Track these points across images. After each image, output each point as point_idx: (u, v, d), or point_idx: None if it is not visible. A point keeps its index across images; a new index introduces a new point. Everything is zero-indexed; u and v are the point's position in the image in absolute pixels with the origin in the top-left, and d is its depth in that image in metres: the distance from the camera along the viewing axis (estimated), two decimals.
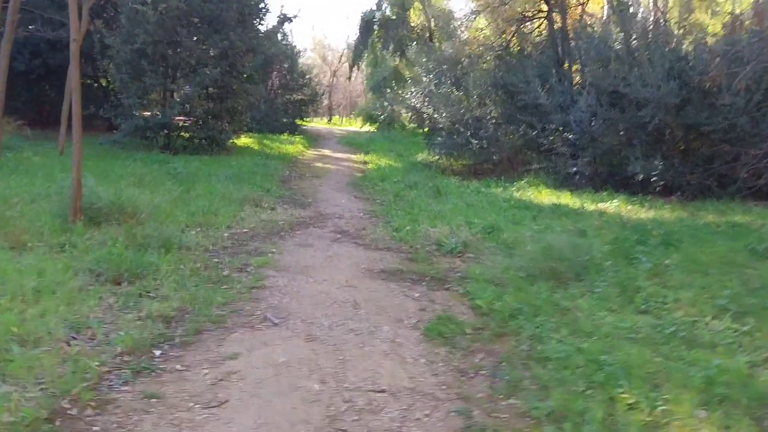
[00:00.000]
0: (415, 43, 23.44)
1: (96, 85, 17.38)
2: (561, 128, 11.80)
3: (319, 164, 16.17)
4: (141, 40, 12.70)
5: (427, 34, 24.63)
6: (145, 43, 12.81)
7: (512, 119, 12.90)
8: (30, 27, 13.19)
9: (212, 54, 13.76)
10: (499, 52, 13.60)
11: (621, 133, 11.35)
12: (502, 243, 6.82)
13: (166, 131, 13.63)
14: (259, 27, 16.04)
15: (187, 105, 13.56)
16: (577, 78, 13.18)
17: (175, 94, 13.31)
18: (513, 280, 5.31)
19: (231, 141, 16.74)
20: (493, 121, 13.29)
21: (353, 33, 33.76)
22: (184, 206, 7.84)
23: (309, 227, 7.90)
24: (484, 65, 14.71)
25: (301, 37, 76.62)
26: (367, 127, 31.92)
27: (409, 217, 8.43)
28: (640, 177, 10.49)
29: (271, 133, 23.53)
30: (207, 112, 14.42)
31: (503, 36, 15.46)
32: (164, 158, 12.41)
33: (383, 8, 25.44)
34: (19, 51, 15.79)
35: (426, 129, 16.07)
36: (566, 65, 14.12)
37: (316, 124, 45.98)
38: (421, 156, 17.09)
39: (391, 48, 25.75)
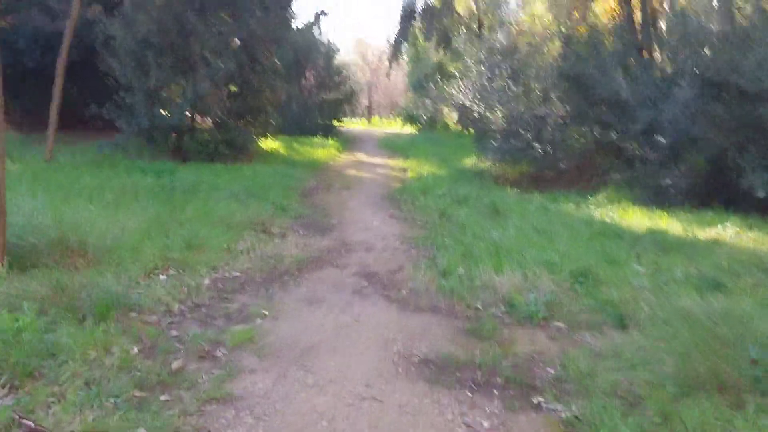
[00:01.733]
0: (462, 32, 21.04)
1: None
2: (649, 128, 9.39)
3: (352, 172, 14.13)
4: (145, 29, 10.91)
5: (476, 24, 22.07)
6: (150, 32, 11.03)
7: (583, 118, 10.55)
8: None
9: (229, 44, 11.87)
10: (567, 36, 11.26)
11: (729, 134, 8.88)
12: (606, 302, 4.59)
13: (175, 134, 11.80)
14: (287, 15, 14.01)
15: (200, 103, 11.69)
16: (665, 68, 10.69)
17: (186, 91, 11.50)
18: (652, 393, 3.10)
19: (255, 145, 14.91)
20: (560, 120, 10.95)
21: (393, 27, 31.46)
22: (161, 237, 5.88)
23: (325, 266, 5.82)
24: (546, 55, 12.36)
25: (340, 36, 74.86)
26: (407, 128, 29.81)
27: (462, 249, 6.25)
28: (761, 194, 8.04)
29: (304, 136, 21.70)
30: (225, 112, 12.55)
31: (568, 20, 13.04)
32: (169, 166, 10.58)
33: None
34: (29, 46, 14.34)
35: (475, 130, 13.83)
36: (645, 52, 11.65)
37: (354, 125, 44.13)
38: (469, 162, 14.87)
39: (434, 40, 23.31)
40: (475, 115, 12.17)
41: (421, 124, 28.60)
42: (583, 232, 7.37)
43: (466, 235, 7.07)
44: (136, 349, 3.57)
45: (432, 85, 20.65)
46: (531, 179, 11.81)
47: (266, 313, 4.39)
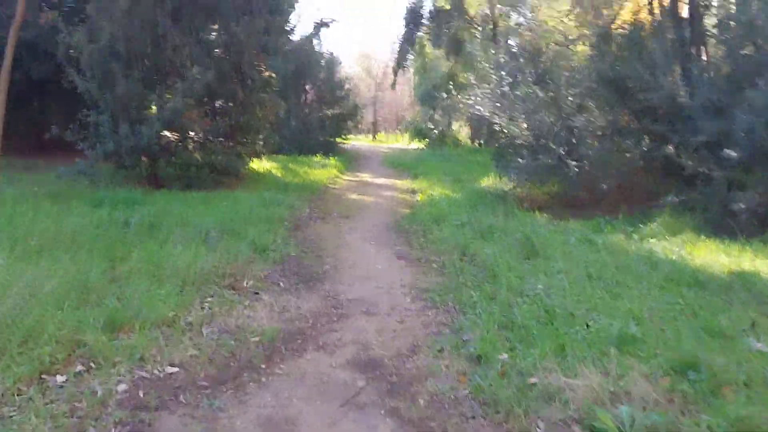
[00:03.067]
0: (476, 36, 19.28)
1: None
2: (715, 140, 7.66)
3: (354, 195, 12.44)
4: (110, 36, 9.35)
5: (490, 25, 20.23)
6: (115, 40, 9.46)
7: (628, 129, 8.82)
8: None
9: (210, 53, 10.31)
10: (603, 34, 9.59)
11: None
12: (742, 422, 2.83)
13: (146, 157, 10.17)
14: (279, 23, 12.41)
15: (177, 121, 10.06)
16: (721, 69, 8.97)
17: (158, 107, 9.89)
18: None
19: (244, 167, 13.28)
20: (598, 132, 9.23)
21: (398, 35, 29.73)
22: (71, 308, 4.18)
23: (307, 348, 4.09)
24: (576, 56, 10.67)
25: (343, 50, 73.65)
26: (415, 144, 28.20)
27: (498, 312, 4.52)
28: None
29: (303, 154, 20.09)
30: (208, 131, 10.93)
31: (600, 18, 11.36)
32: (135, 196, 8.94)
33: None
34: None
35: (494, 145, 12.13)
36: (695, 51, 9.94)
37: (359, 141, 42.59)
38: (487, 182, 13.14)
39: (443, 46, 21.58)
40: (495, 128, 10.48)
41: (429, 139, 26.96)
42: (650, 278, 5.60)
43: (499, 285, 5.34)
44: None
45: (444, 95, 18.90)
46: (563, 203, 10.06)
47: None
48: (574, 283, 5.29)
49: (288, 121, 22.13)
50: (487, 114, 10.51)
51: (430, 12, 20.73)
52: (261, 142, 13.44)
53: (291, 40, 25.45)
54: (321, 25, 26.06)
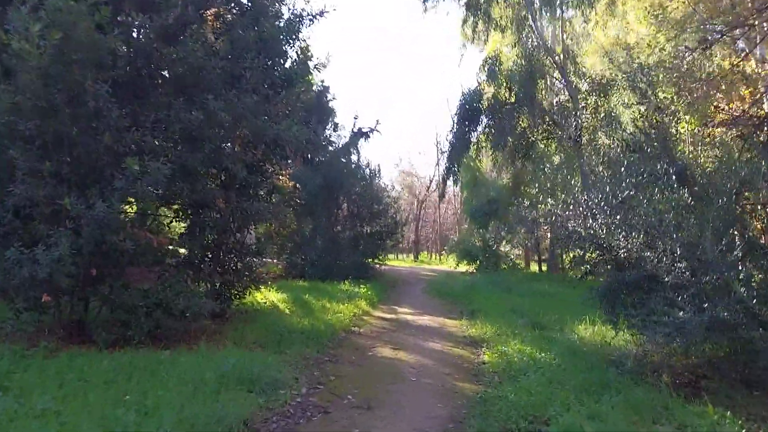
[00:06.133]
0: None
1: None
2: None
3: (385, 351, 8.31)
4: (10, 106, 6.09)
5: (574, 120, 16.00)
6: (18, 112, 6.17)
7: None
8: None
9: (171, 135, 6.95)
10: None
11: None
12: None
13: (48, 296, 6.40)
14: (292, 84, 8.91)
15: (103, 237, 6.40)
16: None
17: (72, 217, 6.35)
18: None
19: (236, 304, 9.52)
20: None
21: (445, 135, 25.91)
22: None
23: None
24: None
25: (386, 170, 72.36)
26: (463, 267, 24.15)
27: None
28: None
29: (330, 279, 16.30)
30: (164, 252, 7.27)
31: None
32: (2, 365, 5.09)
33: (487, 87, 17.22)
34: None
35: (603, 278, 7.97)
36: None
37: (399, 263, 38.82)
38: (585, 331, 8.87)
39: (506, 149, 17.69)
40: (605, 246, 6.46)
41: (480, 261, 22.93)
42: None
43: None
44: None
45: (511, 208, 15.00)
46: (732, 376, 5.70)
47: None
48: None
49: (314, 240, 18.64)
50: (595, 229, 6.52)
51: (489, 105, 17.19)
52: (261, 268, 9.71)
53: (326, 147, 22.79)
54: (360, 134, 23.42)
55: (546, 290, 15.30)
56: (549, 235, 23.42)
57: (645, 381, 5.89)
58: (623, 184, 6.79)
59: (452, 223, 52.25)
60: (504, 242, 25.95)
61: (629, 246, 6.23)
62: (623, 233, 6.30)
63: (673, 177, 6.43)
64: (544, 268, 28.43)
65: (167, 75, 7.51)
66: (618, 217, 6.50)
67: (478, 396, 5.96)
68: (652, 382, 5.87)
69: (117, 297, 6.89)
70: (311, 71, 11.28)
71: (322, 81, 24.24)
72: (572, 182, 8.41)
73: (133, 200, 6.87)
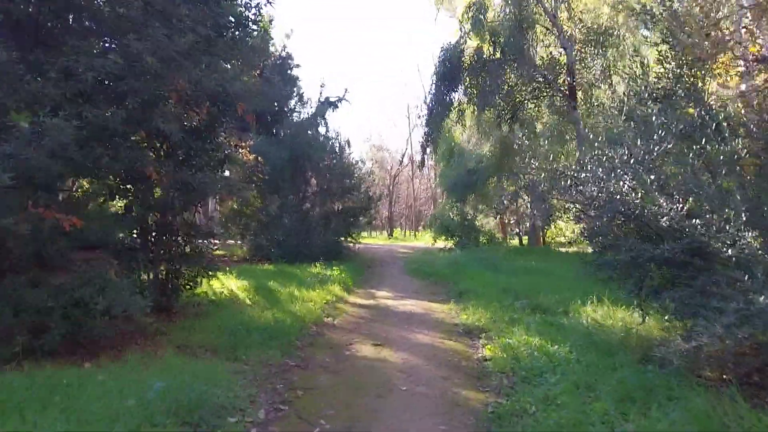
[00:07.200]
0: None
1: None
2: None
3: (366, 348, 6.92)
4: None
5: (564, 75, 14.33)
6: None
7: None
8: None
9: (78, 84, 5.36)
10: None
11: None
12: None
13: None
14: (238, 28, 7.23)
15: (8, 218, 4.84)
16: None
17: None
18: None
19: (185, 296, 8.05)
20: None
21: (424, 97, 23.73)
22: None
23: None
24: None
25: (356, 145, 70.39)
26: (441, 243, 22.91)
27: None
28: None
29: (299, 262, 14.87)
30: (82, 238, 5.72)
31: None
32: None
33: (469, 41, 15.17)
34: None
35: (629, 256, 6.66)
36: None
37: (373, 240, 37.42)
38: (597, 314, 7.61)
39: (493, 109, 15.86)
40: (660, 222, 5.15)
41: (459, 236, 21.69)
42: None
43: None
44: None
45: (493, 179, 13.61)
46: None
47: None
48: None
49: (280, 219, 17.09)
50: (626, 196, 5.21)
51: (472, 63, 15.29)
52: (213, 249, 8.24)
53: (288, 115, 21.13)
54: (327, 104, 21.71)
55: (534, 266, 14.11)
56: (530, 206, 22.28)
57: (699, 384, 4.64)
58: (654, 137, 5.47)
59: (426, 198, 51.03)
60: (481, 215, 24.78)
61: (671, 213, 4.92)
62: (664, 196, 4.99)
63: (724, 125, 5.11)
64: (525, 241, 27.42)
65: (79, 12, 5.84)
66: (652, 176, 5.18)
67: (489, 411, 4.64)
68: (709, 384, 4.63)
69: (21, 297, 5.33)
70: (269, 23, 9.68)
71: (284, 47, 22.49)
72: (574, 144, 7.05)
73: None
